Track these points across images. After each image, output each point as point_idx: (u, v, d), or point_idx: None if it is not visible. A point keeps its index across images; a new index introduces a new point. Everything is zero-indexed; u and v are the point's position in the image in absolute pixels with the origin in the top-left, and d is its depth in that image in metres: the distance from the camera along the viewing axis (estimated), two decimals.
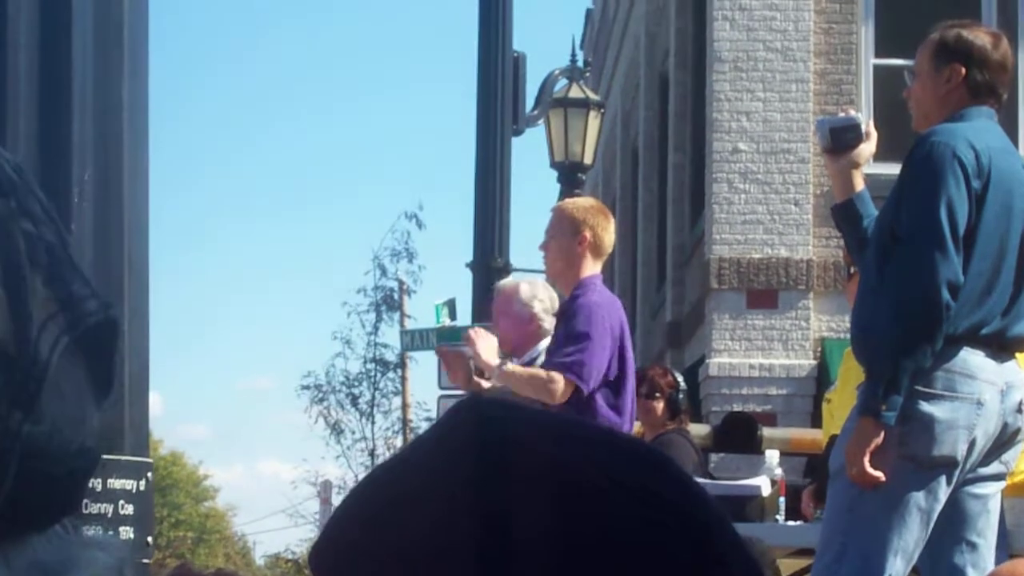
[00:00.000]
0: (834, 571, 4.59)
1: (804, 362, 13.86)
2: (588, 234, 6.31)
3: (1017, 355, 4.74)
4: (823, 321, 13.91)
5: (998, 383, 4.60)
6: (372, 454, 26.84)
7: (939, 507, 4.59)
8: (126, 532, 3.16)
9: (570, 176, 14.79)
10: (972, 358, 4.58)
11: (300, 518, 32.59)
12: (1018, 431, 4.68)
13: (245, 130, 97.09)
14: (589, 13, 31.60)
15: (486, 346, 6.38)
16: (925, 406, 4.53)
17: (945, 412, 4.54)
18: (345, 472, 27.63)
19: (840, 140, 4.93)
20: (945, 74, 4.75)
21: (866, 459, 4.46)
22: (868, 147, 4.95)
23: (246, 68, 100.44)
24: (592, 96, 15.18)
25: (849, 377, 6.21)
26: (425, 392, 33.98)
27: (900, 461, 4.51)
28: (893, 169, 4.84)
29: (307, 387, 27.59)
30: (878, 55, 14.04)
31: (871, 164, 5.06)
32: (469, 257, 12.74)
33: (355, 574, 0.91)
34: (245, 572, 45.42)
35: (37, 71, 3.09)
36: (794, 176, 13.97)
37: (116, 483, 3.16)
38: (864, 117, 5.08)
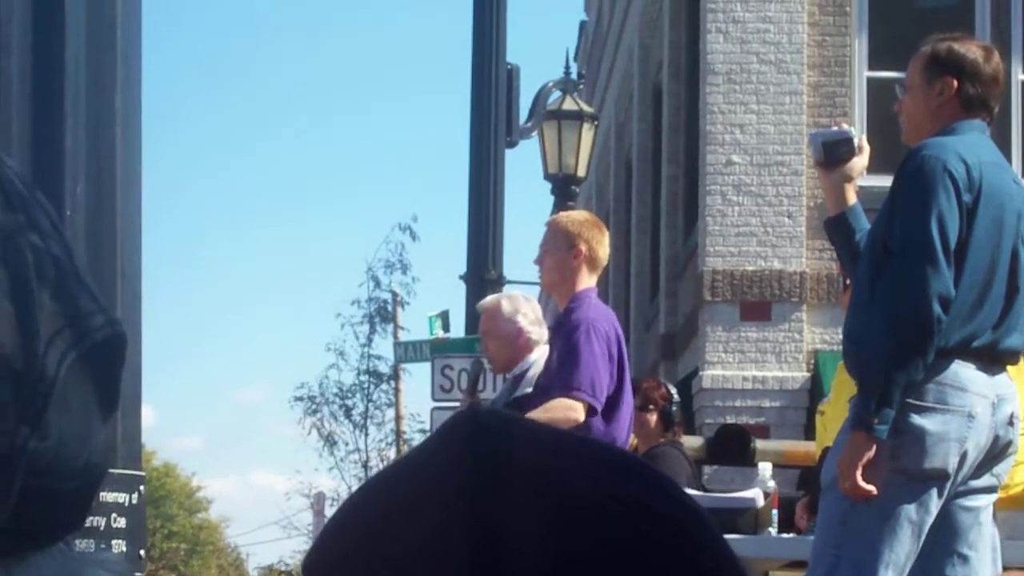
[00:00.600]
0: None
1: (797, 374, 13.85)
2: (583, 247, 6.33)
3: (1008, 368, 4.75)
4: (816, 333, 13.91)
5: (989, 396, 4.61)
6: (365, 466, 26.86)
7: (931, 520, 4.59)
8: (118, 545, 3.13)
9: (564, 188, 14.80)
10: (963, 371, 4.59)
11: (293, 530, 32.67)
12: (1009, 444, 4.68)
13: (238, 142, 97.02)
14: (583, 25, 31.64)
15: None
16: (917, 419, 4.54)
17: (936, 425, 4.55)
18: (338, 484, 27.67)
19: (833, 153, 4.93)
20: (937, 87, 4.76)
21: (858, 473, 4.47)
22: (861, 161, 4.95)
23: (240, 80, 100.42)
24: (586, 108, 15.18)
25: (842, 389, 6.21)
26: (418, 404, 33.93)
27: (892, 474, 4.51)
28: (886, 181, 4.84)
29: (300, 399, 27.65)
30: (872, 67, 14.05)
31: (864, 176, 5.07)
32: (463, 269, 12.76)
33: None
34: None
35: (30, 77, 3.07)
36: (787, 188, 13.97)
37: (108, 496, 3.13)
38: (857, 131, 5.08)
